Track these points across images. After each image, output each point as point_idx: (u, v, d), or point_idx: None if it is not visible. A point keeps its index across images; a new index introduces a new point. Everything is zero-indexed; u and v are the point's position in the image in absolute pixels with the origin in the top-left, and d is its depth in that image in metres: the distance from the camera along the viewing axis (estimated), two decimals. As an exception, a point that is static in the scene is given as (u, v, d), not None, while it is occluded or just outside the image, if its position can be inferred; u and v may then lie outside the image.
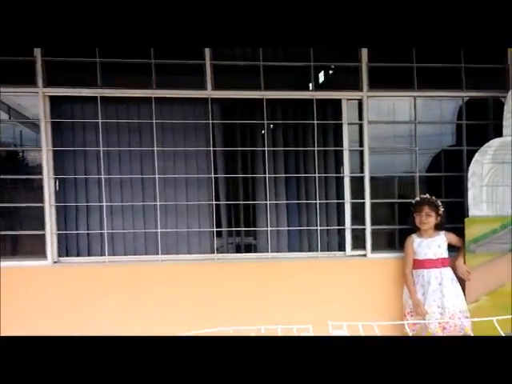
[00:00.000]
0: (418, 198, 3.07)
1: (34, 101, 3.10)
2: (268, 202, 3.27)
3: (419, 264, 2.94)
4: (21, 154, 3.36)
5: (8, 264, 3.04)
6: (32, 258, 3.11)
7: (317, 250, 3.29)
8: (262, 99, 3.20)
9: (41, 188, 3.10)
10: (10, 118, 3.21)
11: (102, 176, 3.16)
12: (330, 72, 3.44)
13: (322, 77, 3.43)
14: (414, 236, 3.02)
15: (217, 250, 3.30)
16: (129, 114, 3.23)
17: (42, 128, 3.05)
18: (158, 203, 3.20)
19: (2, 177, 3.14)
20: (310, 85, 3.34)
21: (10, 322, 2.97)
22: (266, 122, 3.22)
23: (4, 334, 2.68)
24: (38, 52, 3.02)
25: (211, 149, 3.22)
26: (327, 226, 3.33)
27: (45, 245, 3.10)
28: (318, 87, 3.31)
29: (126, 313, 3.07)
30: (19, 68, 3.08)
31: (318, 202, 3.28)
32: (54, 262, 3.12)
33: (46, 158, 3.07)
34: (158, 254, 3.22)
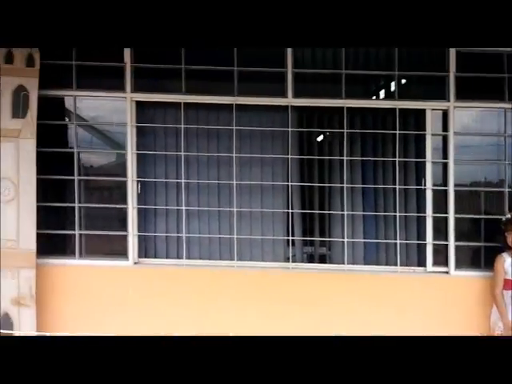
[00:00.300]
0: (509, 216, 2.89)
1: (93, 103, 3.23)
2: (345, 213, 3.20)
3: (511, 285, 2.77)
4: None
5: (92, 263, 3.18)
6: (114, 258, 3.23)
7: (395, 264, 3.18)
8: (342, 108, 3.15)
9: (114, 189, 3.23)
10: (69, 119, 3.29)
11: (182, 180, 3.21)
12: (414, 81, 3.33)
13: (405, 86, 3.33)
14: (504, 255, 2.85)
15: (289, 258, 3.27)
16: (208, 120, 3.28)
17: (128, 132, 3.16)
18: (235, 209, 3.21)
19: (84, 178, 3.29)
20: (389, 94, 3.26)
21: (93, 318, 3.08)
22: (345, 130, 3.16)
23: (86, 330, 2.74)
24: (127, 58, 3.14)
25: (289, 156, 3.20)
26: (406, 239, 3.21)
27: (126, 246, 3.20)
28: (401, 96, 3.21)
29: (202, 315, 3.09)
30: (107, 73, 3.22)
31: (398, 214, 3.17)
32: (135, 263, 3.21)
33: (130, 161, 3.17)
34: (231, 259, 3.24)
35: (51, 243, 3.16)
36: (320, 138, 3.34)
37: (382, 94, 3.40)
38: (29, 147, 2.94)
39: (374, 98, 3.36)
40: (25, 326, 2.96)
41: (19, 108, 2.94)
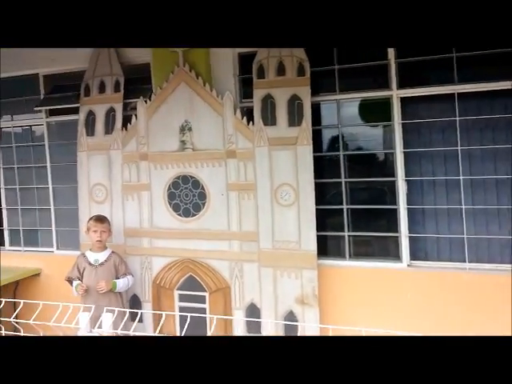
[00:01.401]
0: None
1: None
2: None
3: None
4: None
5: (363, 264, 3.15)
6: (385, 260, 3.16)
7: None
8: None
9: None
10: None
11: (461, 177, 2.98)
12: None
13: None
14: None
15: None
16: (480, 110, 2.99)
17: (396, 130, 3.07)
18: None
19: (350, 180, 3.28)
20: None
21: (370, 318, 3.03)
22: None
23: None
24: (391, 54, 3.06)
25: None
26: None
27: (398, 247, 3.10)
28: None
29: (488, 324, 2.79)
30: (367, 73, 3.19)
31: None
32: (408, 265, 3.08)
33: (399, 160, 3.07)
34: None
35: (326, 244, 3.25)
36: None
37: None
38: (306, 153, 3.06)
39: None
40: (309, 324, 3.07)
41: (294, 116, 3.09)
